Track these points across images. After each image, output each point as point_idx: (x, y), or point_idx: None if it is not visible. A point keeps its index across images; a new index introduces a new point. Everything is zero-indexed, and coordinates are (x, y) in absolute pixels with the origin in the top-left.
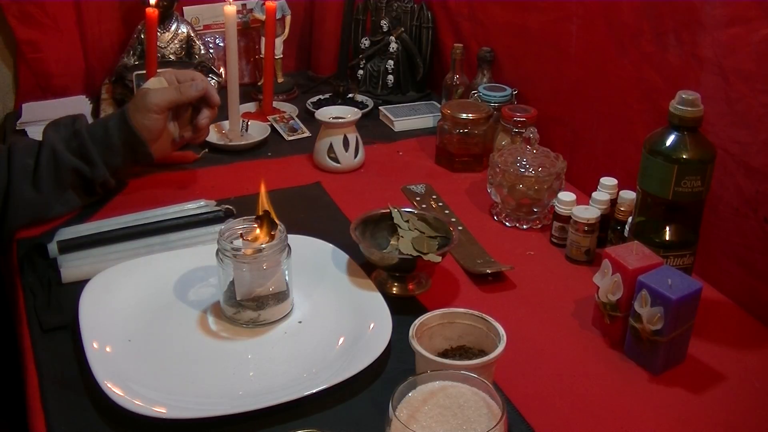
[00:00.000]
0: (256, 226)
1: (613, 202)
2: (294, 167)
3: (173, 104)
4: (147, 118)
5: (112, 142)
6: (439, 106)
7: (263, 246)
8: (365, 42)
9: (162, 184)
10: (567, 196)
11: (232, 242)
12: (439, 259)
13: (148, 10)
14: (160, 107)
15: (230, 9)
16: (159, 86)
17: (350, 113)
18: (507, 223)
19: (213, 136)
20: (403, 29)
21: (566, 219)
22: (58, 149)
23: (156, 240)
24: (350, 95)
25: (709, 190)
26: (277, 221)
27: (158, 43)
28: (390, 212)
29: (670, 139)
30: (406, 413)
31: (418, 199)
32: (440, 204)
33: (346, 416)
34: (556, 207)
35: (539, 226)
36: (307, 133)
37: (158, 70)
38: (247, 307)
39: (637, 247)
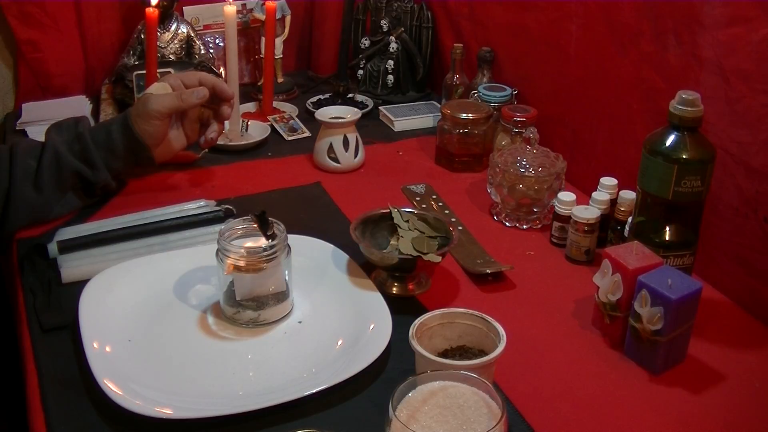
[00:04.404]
0: (255, 226)
1: (613, 202)
2: (294, 167)
3: (174, 111)
4: (149, 124)
5: (115, 146)
6: (439, 106)
7: (263, 246)
8: (365, 42)
9: (162, 184)
10: (567, 196)
11: (232, 242)
12: (439, 259)
13: (148, 10)
14: (162, 114)
15: (230, 9)
16: (162, 92)
17: (350, 113)
18: (507, 223)
19: None
20: (403, 29)
21: (566, 219)
22: (60, 151)
23: (156, 240)
24: (350, 95)
25: (709, 190)
26: (274, 221)
27: (158, 43)
28: (390, 212)
29: (670, 139)
30: (406, 413)
31: (418, 199)
32: (440, 204)
33: (346, 416)
34: (556, 207)
35: (539, 226)
36: (307, 133)
37: (159, 71)
38: (247, 307)
39: (637, 247)
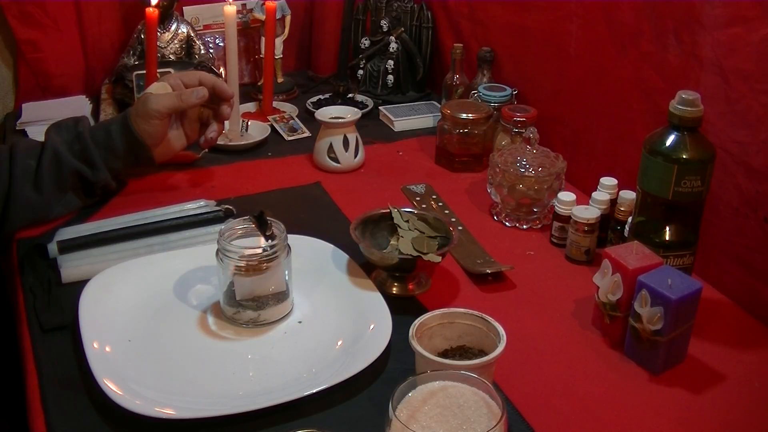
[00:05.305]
0: (253, 226)
1: (613, 202)
2: (294, 167)
3: (174, 111)
4: (148, 124)
5: (115, 146)
6: (439, 106)
7: (263, 247)
8: (365, 42)
9: (162, 184)
10: (567, 196)
11: (232, 242)
12: (439, 259)
13: (148, 10)
14: (161, 113)
15: (230, 9)
16: (162, 91)
17: (350, 113)
18: (507, 223)
19: None
20: (403, 29)
21: (566, 219)
22: (60, 151)
23: (156, 240)
24: (350, 95)
25: (709, 190)
26: (273, 221)
27: (158, 43)
28: (390, 212)
29: (670, 139)
30: (406, 413)
31: (418, 199)
32: (440, 204)
33: (346, 416)
34: (556, 207)
35: (539, 226)
36: (307, 133)
37: (159, 71)
38: (247, 307)
39: (637, 247)
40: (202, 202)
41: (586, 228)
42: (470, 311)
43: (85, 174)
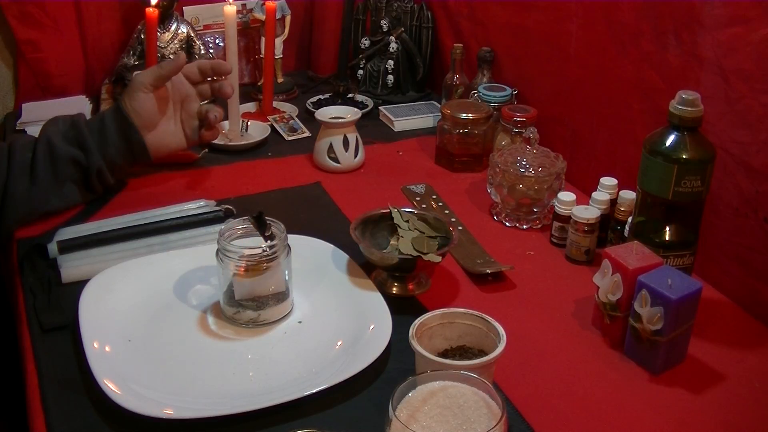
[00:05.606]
0: (252, 226)
1: (613, 202)
2: (294, 167)
3: (156, 80)
4: (134, 99)
5: (107, 129)
6: (439, 106)
7: (262, 248)
8: (365, 42)
9: (162, 184)
10: (567, 196)
11: (232, 242)
12: (439, 259)
13: (148, 10)
14: (144, 84)
15: (230, 9)
16: None
17: (350, 113)
18: (507, 223)
19: None
20: (403, 29)
21: (566, 219)
22: (54, 140)
23: (156, 240)
24: (350, 95)
25: (709, 190)
26: (273, 220)
27: (158, 43)
28: (390, 212)
29: (670, 139)
30: (406, 413)
31: (418, 199)
32: (440, 204)
33: (346, 416)
34: (556, 207)
35: (539, 226)
36: (307, 133)
37: None
38: (247, 307)
39: (637, 247)
40: (202, 202)
41: (586, 228)
42: (470, 311)
43: (78, 158)
